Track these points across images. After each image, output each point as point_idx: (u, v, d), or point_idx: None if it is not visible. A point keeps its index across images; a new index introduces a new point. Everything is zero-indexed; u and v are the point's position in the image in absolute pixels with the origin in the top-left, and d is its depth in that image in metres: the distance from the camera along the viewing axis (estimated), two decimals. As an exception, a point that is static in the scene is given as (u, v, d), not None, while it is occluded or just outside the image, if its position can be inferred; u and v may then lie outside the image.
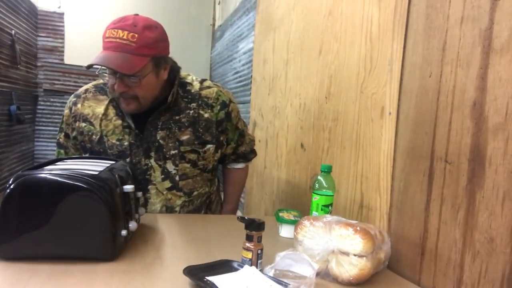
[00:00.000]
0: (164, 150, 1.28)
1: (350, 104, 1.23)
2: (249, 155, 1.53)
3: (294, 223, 1.06)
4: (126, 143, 1.27)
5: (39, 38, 3.65)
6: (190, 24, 4.04)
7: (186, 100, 1.31)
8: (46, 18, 3.66)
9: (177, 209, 1.32)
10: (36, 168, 0.90)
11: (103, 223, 0.84)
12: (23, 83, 3.29)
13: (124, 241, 0.91)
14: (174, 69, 1.30)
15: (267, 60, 2.16)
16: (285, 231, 1.15)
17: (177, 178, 1.30)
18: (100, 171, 0.89)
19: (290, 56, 1.79)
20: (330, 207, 1.06)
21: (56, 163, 0.99)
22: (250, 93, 2.48)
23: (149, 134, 1.27)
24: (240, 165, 1.53)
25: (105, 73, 1.21)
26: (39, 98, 3.69)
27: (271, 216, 1.30)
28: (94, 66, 1.17)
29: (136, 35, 1.13)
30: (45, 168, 0.90)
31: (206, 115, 1.31)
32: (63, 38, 3.71)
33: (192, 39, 4.01)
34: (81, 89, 1.38)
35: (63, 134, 1.37)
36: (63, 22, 3.70)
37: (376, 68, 1.10)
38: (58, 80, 3.73)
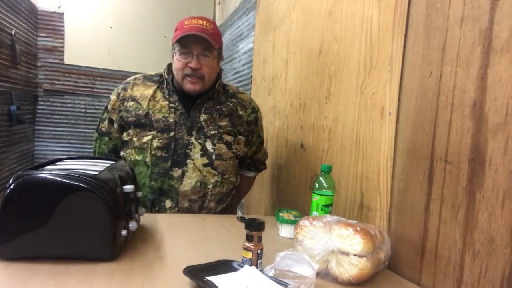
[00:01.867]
0: (205, 130, 1.41)
1: (350, 104, 1.23)
2: (260, 165, 1.69)
3: (294, 223, 1.06)
4: (171, 120, 1.39)
5: (39, 38, 3.64)
6: (190, 24, 4.03)
7: (226, 96, 1.50)
8: (46, 18, 3.65)
9: (210, 186, 1.41)
10: (36, 168, 0.90)
11: (103, 223, 0.84)
12: (23, 83, 3.29)
13: (124, 241, 0.91)
14: (220, 68, 1.50)
15: (267, 60, 2.16)
16: (285, 231, 1.15)
17: (213, 157, 1.41)
18: (100, 171, 0.89)
19: (290, 56, 1.79)
20: (330, 207, 1.06)
21: (56, 163, 0.99)
22: (250, 93, 2.48)
23: (194, 115, 1.41)
24: (250, 174, 1.68)
25: (185, 52, 1.35)
26: (39, 98, 3.69)
27: (271, 216, 1.30)
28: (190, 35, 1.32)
29: (212, 25, 1.38)
30: (45, 168, 0.90)
31: (240, 112, 1.49)
32: (63, 38, 3.70)
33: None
34: (130, 78, 1.50)
35: (106, 121, 1.47)
36: (63, 22, 3.70)
37: (376, 68, 1.10)
38: (58, 80, 3.72)
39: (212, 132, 1.41)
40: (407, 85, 0.98)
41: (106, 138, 1.48)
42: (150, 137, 1.37)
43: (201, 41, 1.33)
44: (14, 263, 0.80)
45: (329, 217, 0.90)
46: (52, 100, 3.73)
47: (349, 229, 0.83)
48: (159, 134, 1.37)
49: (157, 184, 1.37)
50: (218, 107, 1.45)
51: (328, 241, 0.85)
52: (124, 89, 1.45)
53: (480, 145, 0.76)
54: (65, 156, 1.30)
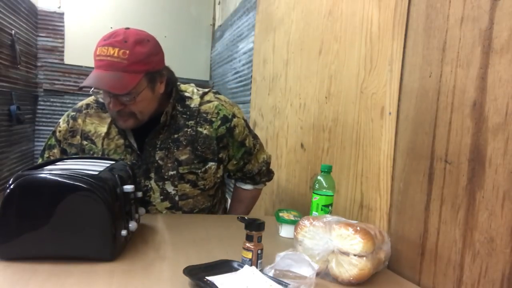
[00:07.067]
0: (163, 170, 1.25)
1: (350, 104, 1.23)
2: (256, 176, 1.43)
3: (294, 223, 1.06)
4: (128, 163, 1.23)
5: (39, 38, 3.64)
6: (190, 24, 4.04)
7: (185, 116, 1.27)
8: (46, 18, 3.65)
9: None
10: (36, 168, 0.90)
11: (103, 223, 0.84)
12: (23, 83, 3.29)
13: (124, 241, 0.91)
14: (172, 80, 1.26)
15: (267, 60, 2.16)
16: (285, 231, 1.15)
17: (176, 198, 1.27)
18: (100, 171, 0.89)
19: (290, 56, 1.79)
20: (330, 207, 1.06)
21: (56, 163, 0.99)
22: (250, 93, 2.48)
23: (148, 155, 1.25)
24: (247, 187, 1.47)
25: (100, 92, 1.18)
26: (39, 98, 3.69)
27: (271, 216, 1.30)
28: (87, 87, 1.13)
29: (128, 52, 1.09)
30: (45, 168, 0.90)
31: (205, 132, 1.26)
32: (63, 38, 3.71)
33: (192, 39, 4.00)
34: (82, 103, 1.33)
35: (56, 150, 1.31)
36: (63, 22, 3.70)
37: (376, 68, 1.10)
38: (58, 80, 3.72)
39: (171, 172, 1.24)
40: (407, 85, 0.98)
41: None
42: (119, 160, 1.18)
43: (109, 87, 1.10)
44: (14, 263, 0.80)
45: (329, 217, 0.90)
46: (52, 100, 3.73)
47: (349, 229, 0.83)
48: None
49: None
50: (175, 136, 1.25)
51: (328, 241, 0.85)
52: (74, 119, 1.29)
53: (480, 145, 0.76)
54: (65, 156, 1.30)
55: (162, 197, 1.27)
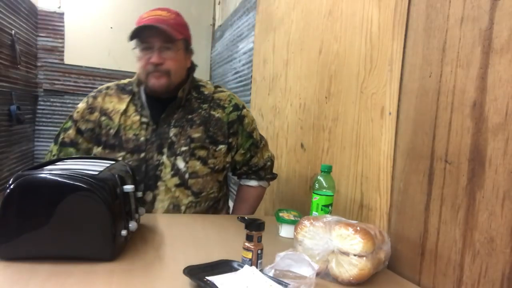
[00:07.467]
0: (176, 146, 1.30)
1: (350, 104, 1.23)
2: (261, 171, 1.48)
3: (294, 223, 1.06)
4: (142, 138, 1.30)
5: (39, 38, 3.64)
6: (190, 24, 4.01)
7: (199, 101, 1.36)
8: (46, 18, 3.65)
9: (183, 208, 1.31)
10: (36, 168, 0.90)
11: (103, 223, 0.84)
12: (23, 83, 3.29)
13: (124, 241, 0.91)
14: (193, 65, 1.39)
15: (267, 60, 2.16)
16: (285, 231, 1.15)
17: (186, 176, 1.30)
18: (100, 171, 0.89)
19: (290, 56, 1.79)
20: (330, 207, 1.06)
21: (56, 163, 0.99)
22: (250, 93, 2.48)
23: (163, 131, 1.31)
24: (252, 183, 1.49)
25: (146, 47, 1.26)
26: (39, 98, 3.69)
27: (271, 216, 1.30)
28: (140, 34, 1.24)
29: (173, 16, 1.28)
30: (45, 168, 0.90)
31: (217, 115, 1.35)
32: (63, 38, 3.70)
33: (192, 39, 4.00)
34: (103, 86, 1.41)
35: (71, 131, 1.35)
36: (63, 22, 3.70)
37: (376, 68, 1.10)
38: (58, 80, 3.72)
39: (183, 148, 1.29)
40: (407, 85, 0.98)
41: (71, 149, 1.34)
42: (120, 159, 1.25)
43: (159, 33, 1.22)
44: (14, 263, 0.80)
45: (329, 217, 0.90)
46: (52, 100, 3.73)
47: (349, 229, 0.83)
48: (128, 155, 1.28)
49: None
50: (189, 116, 1.33)
51: (328, 241, 0.85)
52: (94, 97, 1.36)
53: (480, 145, 0.76)
54: (65, 156, 1.30)
55: (172, 172, 1.30)
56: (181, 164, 1.30)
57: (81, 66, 3.72)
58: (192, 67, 1.38)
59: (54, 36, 3.69)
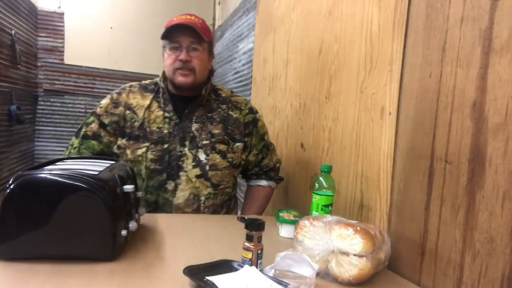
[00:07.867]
0: (197, 140, 1.38)
1: (350, 104, 1.23)
2: (271, 172, 1.55)
3: (294, 223, 1.06)
4: (165, 131, 1.37)
5: (39, 38, 3.64)
6: (190, 24, 4.03)
7: (218, 102, 1.46)
8: (46, 18, 3.65)
9: (203, 198, 1.37)
10: (36, 168, 0.90)
11: (103, 223, 0.84)
12: (23, 83, 3.29)
13: (124, 241, 0.91)
14: (212, 68, 1.49)
15: (267, 60, 2.16)
16: (285, 231, 1.15)
17: (207, 167, 1.37)
18: (100, 171, 0.89)
19: (290, 56, 1.79)
20: (330, 207, 1.06)
21: (56, 163, 0.99)
22: (250, 93, 2.48)
23: (185, 125, 1.39)
24: (262, 183, 1.55)
25: (174, 47, 1.35)
26: (39, 98, 3.68)
27: (271, 216, 1.31)
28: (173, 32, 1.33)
29: (200, 20, 1.38)
30: (45, 168, 0.90)
31: (235, 115, 1.45)
32: (63, 38, 3.70)
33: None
34: (126, 85, 1.48)
35: (94, 124, 1.39)
36: (63, 22, 3.69)
37: (376, 68, 1.10)
38: (58, 80, 3.72)
39: (205, 142, 1.38)
40: (407, 85, 0.98)
41: (94, 141, 1.38)
42: (144, 149, 1.34)
43: (189, 33, 1.33)
44: (14, 263, 0.80)
45: (329, 217, 0.90)
46: (52, 100, 3.73)
47: (349, 229, 0.83)
48: (152, 146, 1.35)
49: (153, 198, 1.35)
50: (209, 115, 1.42)
51: (328, 241, 0.85)
52: (119, 93, 1.43)
53: (480, 145, 0.76)
54: (65, 156, 1.31)
55: (194, 163, 1.37)
56: (202, 156, 1.37)
57: (81, 66, 3.72)
58: (212, 70, 1.48)
59: (54, 36, 3.69)
